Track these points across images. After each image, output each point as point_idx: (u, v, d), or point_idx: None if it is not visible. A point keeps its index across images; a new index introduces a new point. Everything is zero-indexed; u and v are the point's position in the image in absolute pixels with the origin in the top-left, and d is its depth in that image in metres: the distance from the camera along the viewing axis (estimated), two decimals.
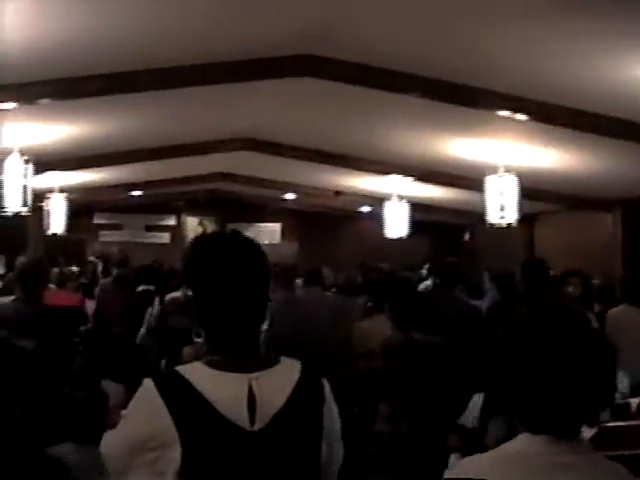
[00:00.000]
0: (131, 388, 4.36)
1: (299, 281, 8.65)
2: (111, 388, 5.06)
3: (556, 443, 1.78)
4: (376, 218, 16.10)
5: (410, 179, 12.96)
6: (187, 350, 5.41)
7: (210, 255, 2.24)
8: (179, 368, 2.19)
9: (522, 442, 1.82)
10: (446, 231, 19.59)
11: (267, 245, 15.71)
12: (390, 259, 14.23)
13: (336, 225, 20.77)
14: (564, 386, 1.76)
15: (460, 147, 10.15)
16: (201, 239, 2.37)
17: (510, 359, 1.83)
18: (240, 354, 2.20)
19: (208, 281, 2.20)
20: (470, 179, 11.44)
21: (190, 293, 2.25)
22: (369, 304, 6.98)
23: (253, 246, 2.29)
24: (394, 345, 5.30)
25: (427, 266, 14.24)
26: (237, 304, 2.19)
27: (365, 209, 18.45)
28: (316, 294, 8.31)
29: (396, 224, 14.73)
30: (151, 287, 9.34)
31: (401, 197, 14.48)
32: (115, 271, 11.39)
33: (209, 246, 2.28)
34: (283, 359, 2.27)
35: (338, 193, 16.24)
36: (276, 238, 21.16)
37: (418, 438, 5.13)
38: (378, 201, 15.43)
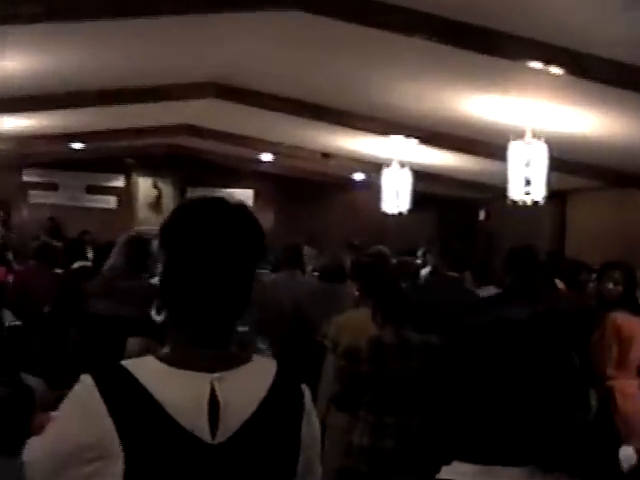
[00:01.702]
0: (52, 384, 4.34)
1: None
2: (29, 383, 5.03)
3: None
4: (372, 188, 16.11)
5: (415, 141, 12.96)
6: (132, 342, 5.37)
7: (195, 218, 2.24)
8: (125, 363, 2.18)
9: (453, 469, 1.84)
10: (457, 207, 19.62)
11: None
12: (387, 239, 14.25)
13: (322, 195, 20.77)
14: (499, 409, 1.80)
15: (479, 104, 10.14)
16: (190, 201, 2.38)
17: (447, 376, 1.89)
18: (205, 347, 2.19)
19: (186, 247, 2.20)
20: (489, 144, 11.46)
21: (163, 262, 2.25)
22: (356, 293, 6.98)
23: (250, 220, 2.29)
24: (385, 345, 5.32)
25: (422, 251, 14.22)
26: (216, 281, 2.18)
27: (358, 177, 18.46)
28: (293, 279, 8.30)
29: (396, 196, 14.74)
30: (88, 263, 9.30)
31: (403, 164, 14.48)
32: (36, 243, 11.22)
33: (196, 209, 2.28)
34: (255, 357, 2.27)
35: (326, 156, 16.23)
36: None
37: (405, 458, 5.15)
38: (375, 167, 15.43)
